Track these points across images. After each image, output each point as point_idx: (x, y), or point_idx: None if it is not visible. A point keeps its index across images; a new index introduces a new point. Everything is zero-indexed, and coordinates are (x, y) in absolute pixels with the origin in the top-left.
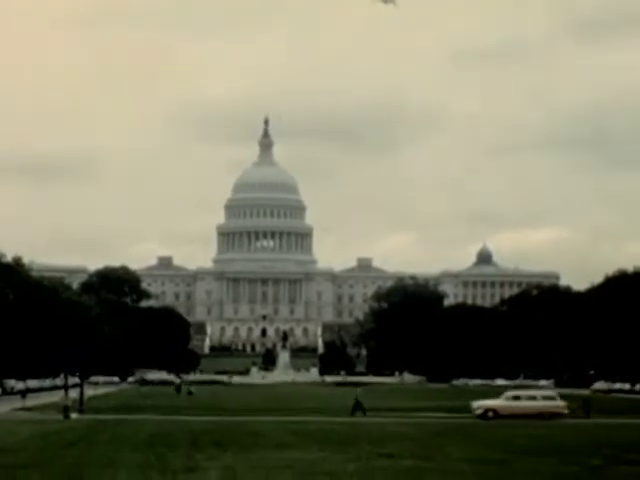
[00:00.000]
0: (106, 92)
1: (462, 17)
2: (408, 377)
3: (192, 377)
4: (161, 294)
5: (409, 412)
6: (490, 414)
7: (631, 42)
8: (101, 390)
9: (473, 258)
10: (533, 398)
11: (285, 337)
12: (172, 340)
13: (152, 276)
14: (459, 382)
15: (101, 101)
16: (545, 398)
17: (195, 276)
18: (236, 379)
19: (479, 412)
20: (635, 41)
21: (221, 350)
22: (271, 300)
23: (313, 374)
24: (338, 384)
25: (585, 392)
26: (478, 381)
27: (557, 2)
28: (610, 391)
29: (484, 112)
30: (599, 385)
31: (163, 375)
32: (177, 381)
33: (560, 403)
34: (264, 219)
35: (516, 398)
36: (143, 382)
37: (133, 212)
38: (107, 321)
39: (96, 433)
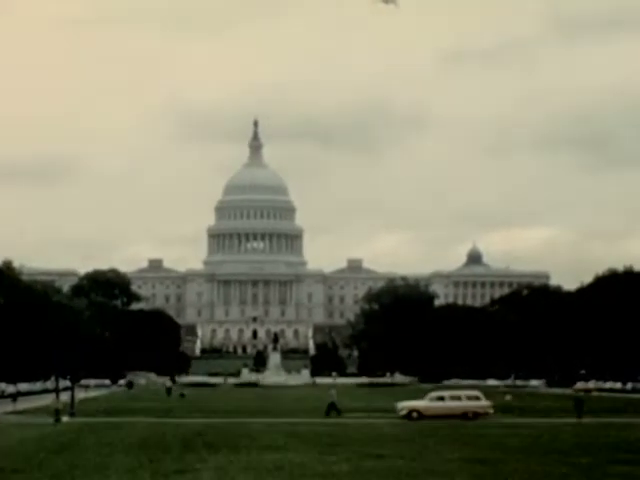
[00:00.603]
0: (94, 93)
1: (453, 18)
2: (399, 378)
3: (185, 379)
4: (151, 296)
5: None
6: (414, 415)
7: (626, 42)
8: (92, 393)
9: (463, 258)
10: (457, 398)
11: (276, 339)
12: (163, 343)
13: (142, 278)
14: (450, 382)
15: (89, 103)
16: (469, 398)
17: (185, 278)
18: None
19: (403, 413)
20: (629, 41)
21: (212, 352)
22: (262, 302)
23: (304, 376)
24: (370, 385)
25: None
26: (469, 381)
27: (551, 2)
28: (590, 390)
29: (474, 112)
30: (580, 385)
31: (152, 378)
32: (168, 383)
33: (485, 403)
34: (254, 221)
35: (440, 399)
36: (130, 385)
37: (123, 215)
38: (98, 324)
39: (87, 436)
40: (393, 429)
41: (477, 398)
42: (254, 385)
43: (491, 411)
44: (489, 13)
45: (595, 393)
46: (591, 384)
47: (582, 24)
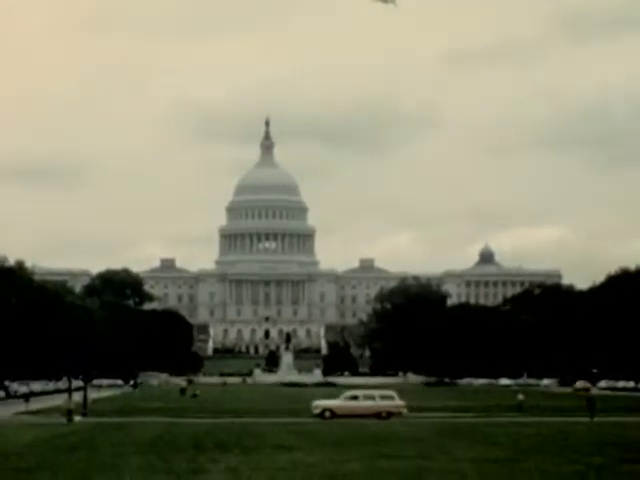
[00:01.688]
0: (108, 95)
1: (458, 17)
2: (412, 377)
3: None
4: (164, 296)
5: (412, 412)
6: (327, 414)
7: (630, 40)
8: (104, 393)
9: (475, 258)
10: (371, 398)
11: (288, 338)
12: (175, 342)
13: (154, 278)
14: (463, 382)
15: (103, 104)
16: (383, 398)
17: (198, 278)
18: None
19: (317, 412)
20: (634, 39)
21: (224, 352)
22: (274, 301)
23: (317, 375)
24: (429, 384)
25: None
26: (482, 380)
27: (554, 1)
28: (588, 389)
29: (485, 111)
30: (580, 384)
31: (165, 378)
32: (183, 383)
33: (399, 403)
34: (266, 220)
35: (354, 398)
36: (135, 385)
37: (135, 214)
38: (110, 324)
39: (99, 436)
40: (405, 428)
41: (391, 398)
42: (301, 385)
43: (405, 411)
44: (493, 12)
45: (594, 392)
46: (588, 383)
47: (586, 23)
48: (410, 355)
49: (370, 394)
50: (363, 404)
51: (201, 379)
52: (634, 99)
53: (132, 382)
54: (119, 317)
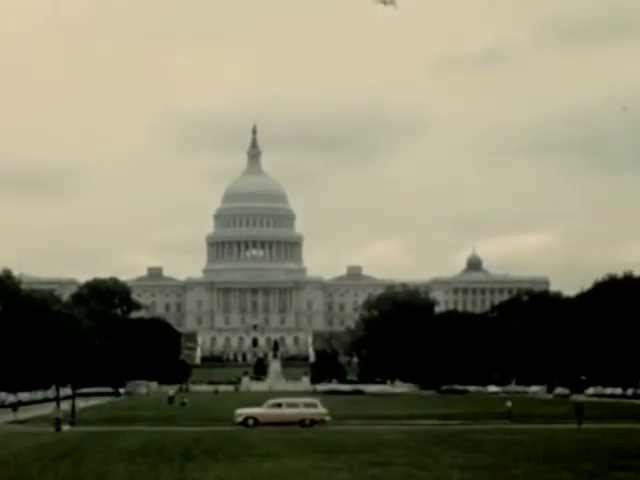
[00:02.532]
0: (93, 104)
1: (444, 26)
2: (400, 385)
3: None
4: (151, 305)
5: (400, 420)
6: (250, 422)
7: (616, 46)
8: (92, 402)
9: (463, 265)
10: (294, 405)
11: (276, 346)
12: (163, 351)
13: (142, 287)
14: (473, 389)
15: (88, 112)
16: (306, 405)
17: (185, 286)
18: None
19: (239, 420)
20: (620, 45)
21: (212, 360)
22: (261, 309)
23: (304, 383)
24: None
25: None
26: (470, 387)
27: (541, 7)
28: (567, 396)
29: (472, 119)
30: (560, 390)
31: (154, 387)
32: (171, 392)
33: (321, 410)
34: (253, 228)
35: (277, 406)
36: (117, 394)
37: (122, 223)
38: (98, 333)
39: (88, 445)
40: (393, 436)
41: (314, 405)
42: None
43: (328, 418)
44: (479, 21)
45: (581, 398)
46: (567, 390)
47: (572, 30)
48: (398, 362)
49: (293, 402)
50: (286, 412)
51: (192, 387)
52: (620, 105)
53: (114, 390)
54: (107, 326)
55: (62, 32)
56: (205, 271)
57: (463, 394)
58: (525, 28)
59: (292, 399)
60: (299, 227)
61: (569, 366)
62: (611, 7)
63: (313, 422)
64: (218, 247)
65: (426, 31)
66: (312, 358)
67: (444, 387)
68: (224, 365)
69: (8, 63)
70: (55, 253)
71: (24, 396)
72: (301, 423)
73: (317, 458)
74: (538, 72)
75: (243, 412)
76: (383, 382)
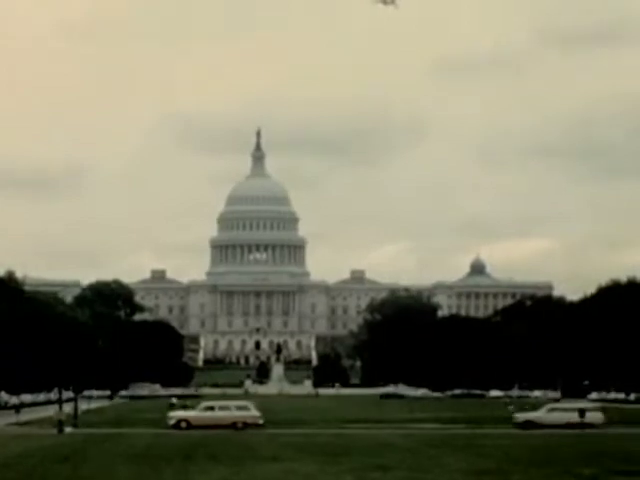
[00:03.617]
0: (97, 104)
1: (448, 26)
2: (402, 389)
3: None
4: (154, 307)
5: (404, 423)
6: (183, 424)
7: (617, 50)
8: (95, 404)
9: (466, 269)
10: (227, 409)
11: (279, 350)
12: (166, 354)
13: (145, 289)
14: (455, 393)
15: (92, 114)
16: (239, 408)
17: (188, 289)
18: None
19: (172, 422)
20: (620, 49)
21: (215, 363)
22: (264, 313)
23: (307, 386)
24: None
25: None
26: (474, 392)
27: (543, 11)
28: (558, 400)
29: (475, 122)
30: (552, 394)
31: (157, 389)
32: (173, 400)
33: (254, 413)
34: (257, 232)
35: (210, 409)
36: (113, 396)
37: (125, 225)
38: (101, 335)
39: (90, 447)
40: (396, 439)
41: (247, 408)
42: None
43: (261, 422)
44: (480, 24)
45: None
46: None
47: (576, 33)
48: (401, 366)
49: (226, 405)
50: (219, 415)
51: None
52: (622, 110)
53: (109, 393)
54: (110, 328)
55: (63, 33)
56: (208, 274)
57: (481, 398)
58: (527, 31)
59: (225, 402)
60: (303, 230)
61: (573, 371)
62: (612, 12)
63: (246, 425)
64: (222, 250)
65: (428, 33)
66: (315, 361)
67: (458, 391)
68: (226, 368)
69: (8, 63)
70: (59, 255)
71: (26, 398)
72: (234, 426)
73: (320, 461)
74: (539, 75)
75: (176, 415)
76: (385, 386)
